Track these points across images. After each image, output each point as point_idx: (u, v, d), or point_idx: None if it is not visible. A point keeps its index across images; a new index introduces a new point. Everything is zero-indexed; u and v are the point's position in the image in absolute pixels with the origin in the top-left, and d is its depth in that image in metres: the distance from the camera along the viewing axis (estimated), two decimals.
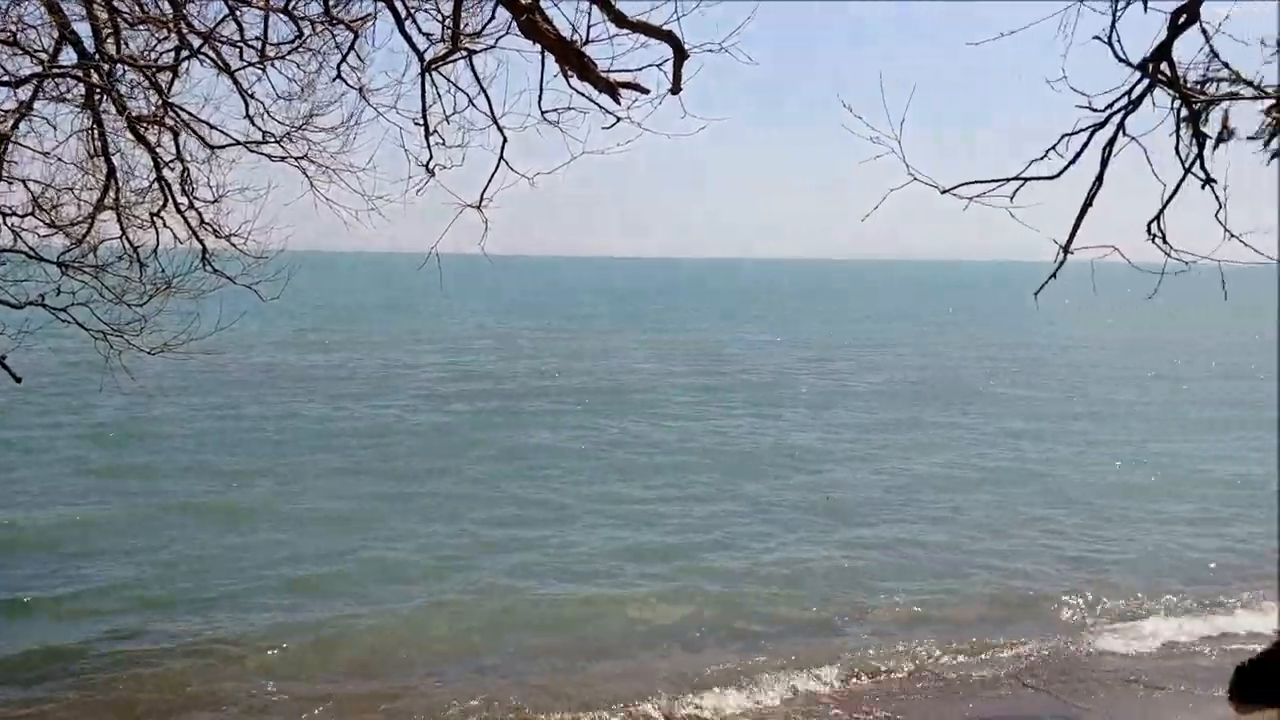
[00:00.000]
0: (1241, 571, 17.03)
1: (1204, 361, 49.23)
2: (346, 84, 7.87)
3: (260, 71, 8.02)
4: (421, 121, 7.62)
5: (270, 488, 20.86)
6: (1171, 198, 5.57)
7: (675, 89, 6.57)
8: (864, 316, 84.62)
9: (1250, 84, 6.76)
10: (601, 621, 14.22)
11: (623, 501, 20.62)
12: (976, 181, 5.98)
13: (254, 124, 8.50)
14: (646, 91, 6.64)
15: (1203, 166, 5.54)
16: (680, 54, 6.42)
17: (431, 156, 7.83)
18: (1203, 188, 5.49)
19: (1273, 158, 6.96)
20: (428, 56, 7.30)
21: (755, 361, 47.86)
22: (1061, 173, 5.69)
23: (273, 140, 8.46)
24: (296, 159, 8.50)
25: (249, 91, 8.31)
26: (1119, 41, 5.69)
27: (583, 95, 6.92)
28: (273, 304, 10.20)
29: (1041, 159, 5.91)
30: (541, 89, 7.09)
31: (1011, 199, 5.98)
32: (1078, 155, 5.57)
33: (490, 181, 7.49)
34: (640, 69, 6.70)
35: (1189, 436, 29.13)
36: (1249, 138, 6.95)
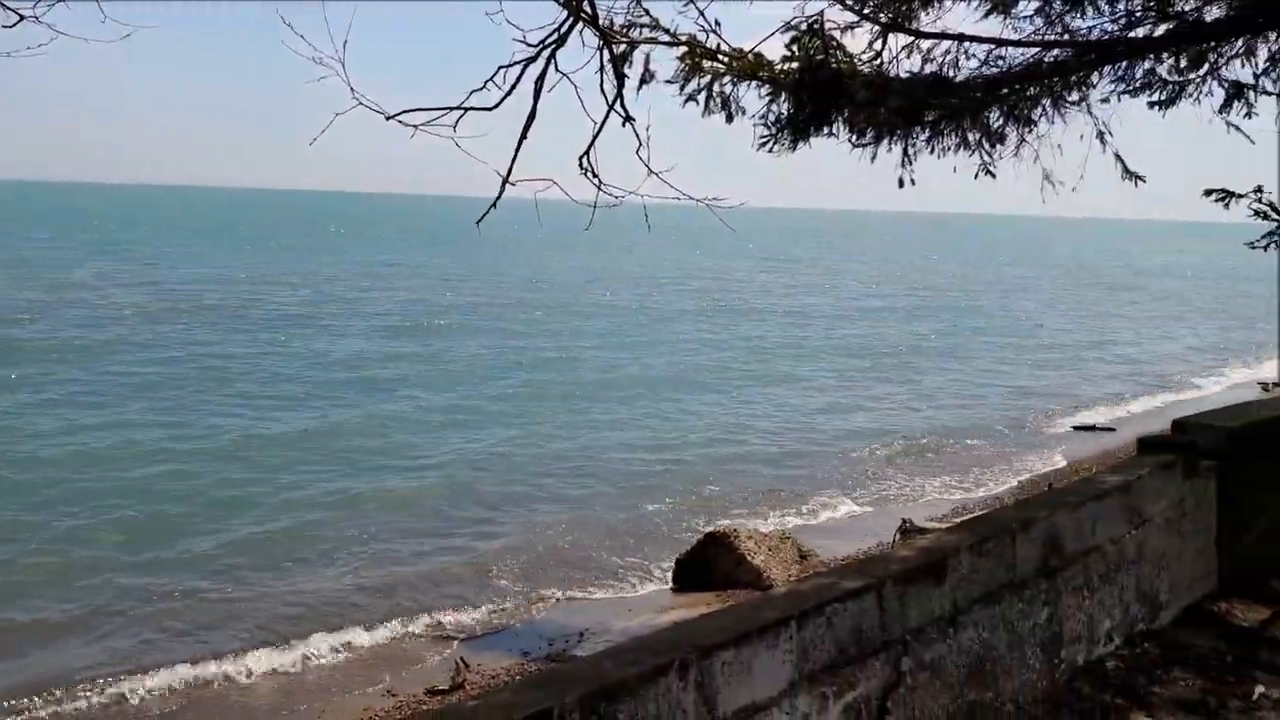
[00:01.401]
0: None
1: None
2: None
3: None
4: None
5: None
6: (598, 134, 5.83)
7: None
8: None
9: (666, 30, 7.30)
10: None
11: None
12: (420, 109, 5.85)
13: None
14: None
15: (623, 105, 5.85)
16: None
17: None
18: (623, 125, 5.81)
19: (687, 100, 7.60)
20: None
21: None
22: (499, 104, 5.73)
23: None
24: None
25: None
26: None
27: None
28: None
29: (481, 89, 5.90)
30: None
31: (454, 128, 5.90)
32: (513, 88, 5.65)
33: None
34: None
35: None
36: (667, 81, 7.52)
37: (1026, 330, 45.75)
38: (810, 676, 4.03)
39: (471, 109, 5.81)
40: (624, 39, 7.13)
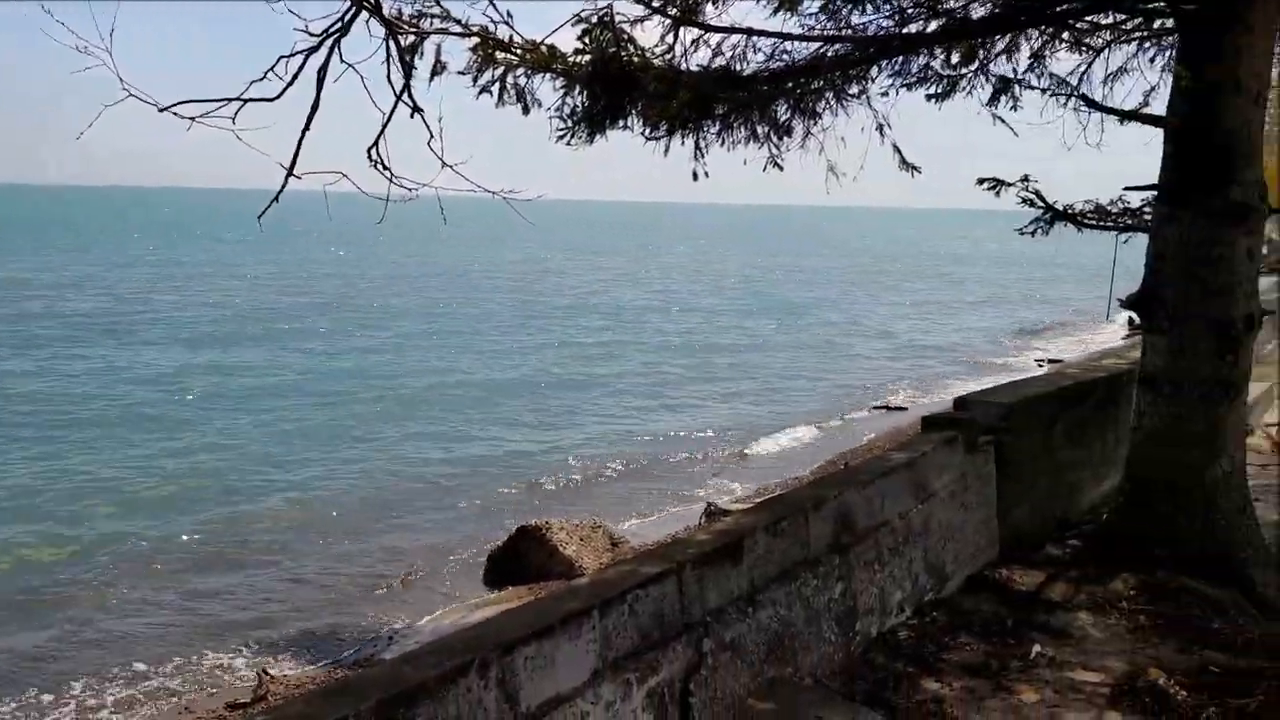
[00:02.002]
0: None
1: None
2: None
3: None
4: None
5: None
6: (386, 125, 5.69)
7: None
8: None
9: (458, 21, 7.20)
10: None
11: None
12: (196, 100, 5.58)
13: None
14: None
15: (410, 96, 5.74)
16: None
17: None
18: (411, 117, 5.70)
19: (481, 92, 7.51)
20: None
21: None
22: (280, 95, 5.52)
23: None
24: None
25: None
26: None
27: None
28: None
29: (261, 79, 5.67)
30: None
31: (234, 119, 5.66)
32: (294, 78, 5.45)
33: None
34: None
35: None
36: (459, 72, 7.41)
37: (831, 320, 47.53)
38: (614, 664, 4.05)
39: (252, 100, 5.57)
40: (412, 29, 7.00)
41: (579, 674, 3.88)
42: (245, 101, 5.70)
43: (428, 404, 25.95)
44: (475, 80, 7.49)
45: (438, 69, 7.20)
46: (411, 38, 6.87)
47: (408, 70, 5.79)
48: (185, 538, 15.64)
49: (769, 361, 34.35)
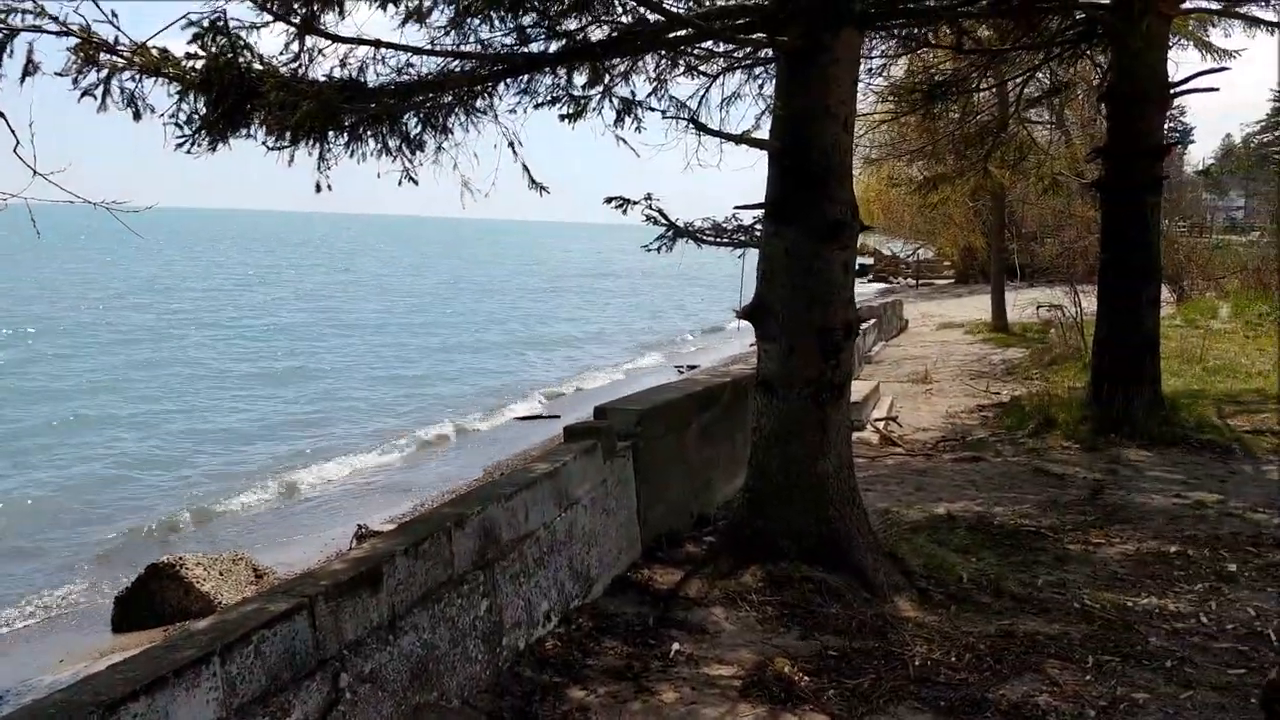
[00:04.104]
0: None
1: None
2: None
3: None
4: None
5: None
6: None
7: None
8: None
9: (55, 19, 6.59)
10: None
11: None
12: None
13: None
14: None
15: None
16: None
17: None
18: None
19: (83, 95, 6.90)
20: None
21: None
22: None
23: None
24: None
25: None
26: None
27: None
28: None
29: None
30: None
31: None
32: None
33: None
34: None
35: None
36: (57, 74, 6.79)
37: (472, 327, 47.66)
38: (240, 710, 3.81)
39: None
40: (4, 26, 6.34)
41: None
42: None
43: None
44: (76, 83, 6.90)
45: (29, 69, 6.57)
46: None
47: None
48: None
49: (408, 374, 33.92)
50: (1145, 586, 7.63)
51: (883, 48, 14.05)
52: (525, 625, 6.14)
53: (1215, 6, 15.28)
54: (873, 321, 25.89)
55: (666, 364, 36.23)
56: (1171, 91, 13.92)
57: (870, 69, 14.92)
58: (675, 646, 6.31)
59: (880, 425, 14.92)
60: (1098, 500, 10.31)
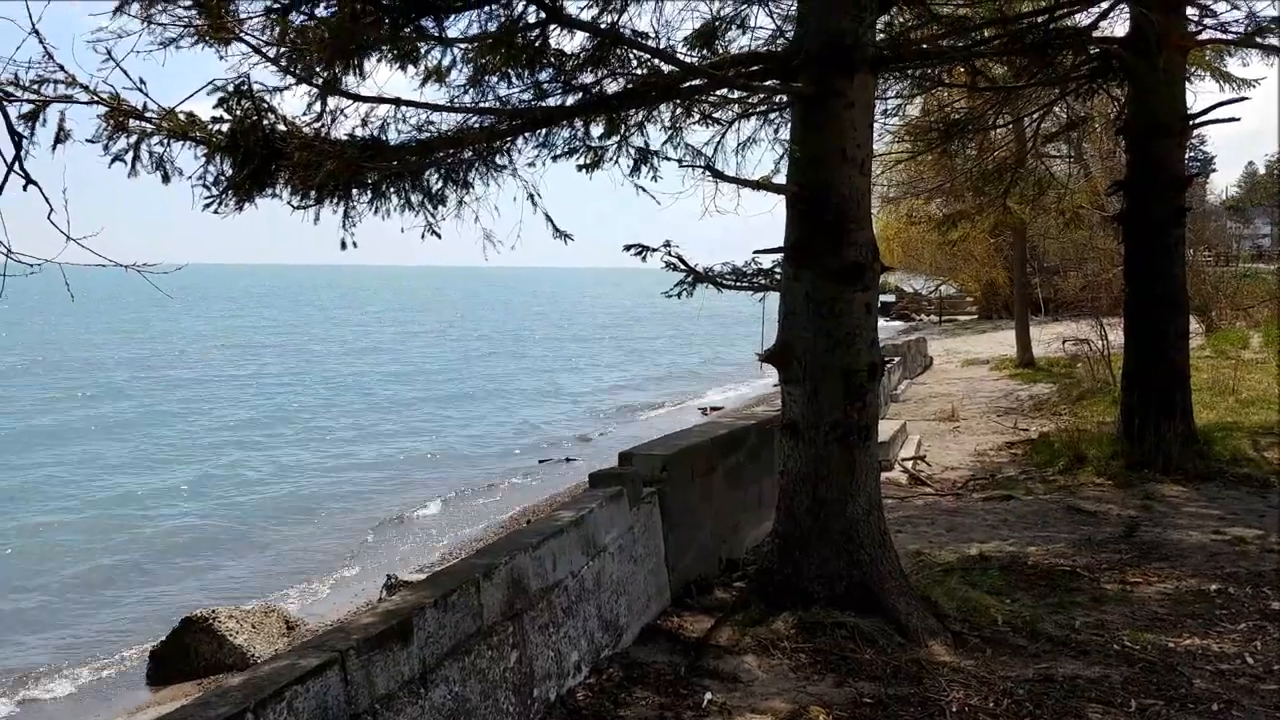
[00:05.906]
0: None
1: None
2: None
3: None
4: None
5: None
6: None
7: None
8: None
9: (85, 88, 6.74)
10: None
11: None
12: None
13: None
14: None
15: (23, 168, 5.29)
16: None
17: None
18: (24, 189, 5.25)
19: (113, 160, 7.04)
20: None
21: None
22: None
23: None
24: None
25: None
26: None
27: None
28: None
29: None
30: None
31: None
32: None
33: None
34: None
35: None
36: (89, 141, 6.93)
37: (495, 375, 47.83)
38: None
39: None
40: (37, 96, 6.50)
41: None
42: None
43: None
44: (107, 149, 7.05)
45: (61, 136, 6.72)
46: (28, 106, 6.39)
47: (18, 141, 5.34)
48: None
49: (434, 422, 34.06)
50: (1186, 626, 7.49)
51: (897, 88, 14.15)
52: (556, 676, 6.12)
53: (1230, 37, 15.31)
54: (897, 360, 25.82)
55: (689, 405, 36.22)
56: (1191, 124, 13.93)
57: (885, 109, 15.02)
58: (708, 696, 6.26)
59: (909, 465, 14.83)
60: (1133, 538, 10.19)
